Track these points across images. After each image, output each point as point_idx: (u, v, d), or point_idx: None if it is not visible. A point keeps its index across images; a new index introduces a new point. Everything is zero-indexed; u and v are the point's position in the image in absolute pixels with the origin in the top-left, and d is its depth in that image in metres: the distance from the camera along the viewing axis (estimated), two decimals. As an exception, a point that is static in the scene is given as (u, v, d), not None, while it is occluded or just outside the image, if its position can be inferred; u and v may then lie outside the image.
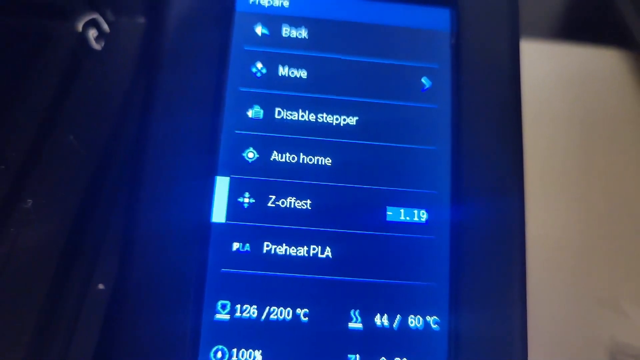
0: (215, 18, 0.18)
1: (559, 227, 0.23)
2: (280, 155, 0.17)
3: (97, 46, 0.24)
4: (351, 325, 0.16)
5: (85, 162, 0.19)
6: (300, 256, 0.16)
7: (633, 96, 0.28)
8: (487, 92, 0.18)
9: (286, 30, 0.18)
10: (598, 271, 0.22)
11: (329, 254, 0.16)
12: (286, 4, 0.18)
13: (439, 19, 0.19)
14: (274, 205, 0.16)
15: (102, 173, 0.20)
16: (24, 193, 0.19)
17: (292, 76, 0.17)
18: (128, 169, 0.20)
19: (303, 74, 0.17)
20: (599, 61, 0.29)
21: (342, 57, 0.18)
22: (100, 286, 0.17)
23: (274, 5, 0.18)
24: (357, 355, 0.15)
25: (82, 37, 0.24)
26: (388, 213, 0.16)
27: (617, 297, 0.22)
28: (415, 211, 0.17)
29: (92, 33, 0.24)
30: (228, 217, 0.16)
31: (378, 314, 0.16)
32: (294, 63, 0.18)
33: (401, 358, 0.15)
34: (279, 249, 0.16)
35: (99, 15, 0.25)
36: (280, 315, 0.15)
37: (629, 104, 0.27)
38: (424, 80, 0.18)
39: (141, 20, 0.25)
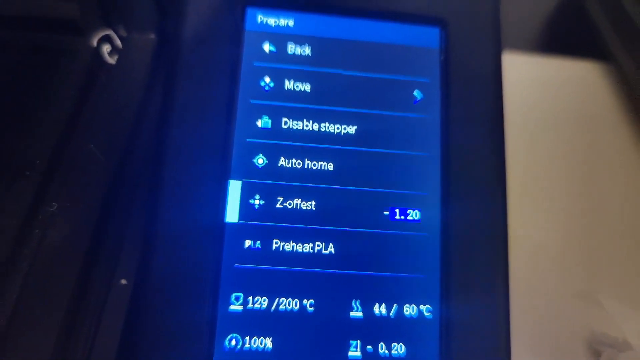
0: (227, 37, 0.19)
1: (540, 226, 0.25)
2: (287, 160, 0.18)
3: (110, 60, 0.26)
4: (353, 314, 0.17)
5: (104, 168, 0.21)
6: (306, 252, 0.18)
7: (609, 105, 0.30)
8: (473, 104, 0.20)
9: (291, 48, 0.20)
10: (575, 267, 0.24)
11: (332, 250, 0.18)
12: (291, 23, 0.20)
13: (430, 37, 0.21)
14: (281, 206, 0.18)
15: (120, 177, 0.21)
16: (49, 197, 0.20)
17: (297, 89, 0.19)
18: (145, 173, 0.21)
19: (307, 87, 0.19)
20: (577, 73, 0.31)
21: (342, 72, 0.20)
22: (123, 281, 0.19)
23: (280, 25, 0.20)
24: (359, 341, 0.17)
25: (97, 51, 0.26)
26: (385, 212, 0.18)
27: (593, 290, 0.24)
28: (410, 211, 0.18)
29: (106, 48, 0.26)
30: (240, 217, 0.18)
31: (377, 304, 0.17)
32: (298, 77, 0.19)
33: (398, 343, 0.17)
34: (287, 245, 0.18)
35: (112, 31, 0.26)
36: (289, 305, 0.17)
37: (605, 113, 0.30)
38: (415, 93, 0.20)
39: (152, 36, 0.27)
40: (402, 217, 0.18)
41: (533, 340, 0.22)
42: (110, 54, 0.26)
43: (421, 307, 0.18)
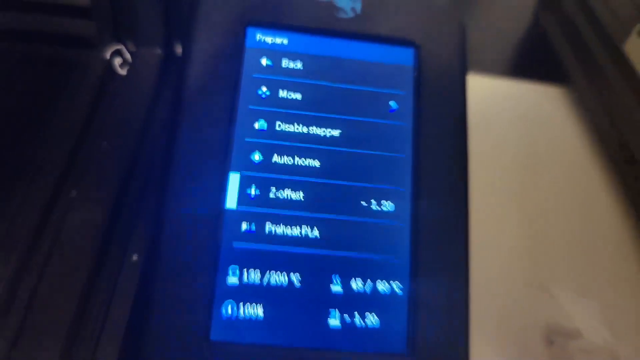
0: (229, 52, 0.23)
1: (500, 225, 0.28)
2: (279, 157, 0.21)
3: (121, 72, 0.29)
4: (333, 288, 0.20)
5: (118, 162, 0.24)
6: (295, 235, 0.20)
7: (564, 124, 0.34)
8: (441, 114, 0.23)
9: (285, 62, 0.23)
10: (532, 262, 0.27)
11: (317, 233, 0.21)
12: (285, 42, 0.23)
13: (405, 56, 0.24)
14: (274, 196, 0.21)
15: (134, 170, 0.24)
16: (70, 186, 0.23)
17: (290, 97, 0.22)
18: (156, 167, 0.24)
19: (298, 96, 0.22)
20: (538, 93, 0.35)
21: (329, 84, 0.23)
22: (134, 257, 0.22)
23: (276, 42, 0.23)
24: (337, 312, 0.20)
25: (109, 64, 0.29)
26: (363, 203, 0.21)
27: (548, 282, 0.27)
28: (384, 202, 0.21)
29: (117, 61, 0.29)
30: (238, 204, 0.20)
31: (354, 280, 0.20)
32: (291, 88, 0.22)
33: (372, 314, 0.20)
34: (278, 229, 0.20)
35: (123, 46, 0.29)
36: (278, 279, 0.20)
37: (562, 131, 0.33)
38: (392, 103, 0.23)
39: (158, 51, 0.30)
40: (378, 208, 0.21)
41: (492, 329, 0.25)
42: (121, 66, 0.29)
43: (392, 284, 0.20)
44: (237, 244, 0.20)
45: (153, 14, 0.30)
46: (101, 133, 0.25)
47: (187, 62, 0.22)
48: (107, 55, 0.29)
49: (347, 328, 0.20)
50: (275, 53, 0.23)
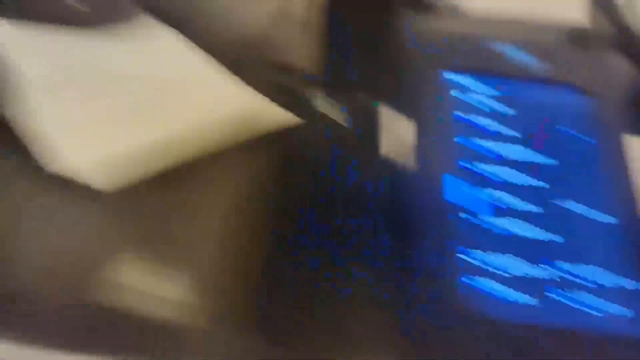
0: (429, 87, 0.29)
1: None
2: (480, 163, 0.26)
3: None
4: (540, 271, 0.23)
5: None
6: (498, 224, 0.24)
7: None
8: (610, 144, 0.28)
9: (471, 94, 0.29)
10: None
11: (534, 229, 0.24)
12: (469, 81, 0.29)
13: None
14: (480, 192, 0.25)
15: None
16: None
17: (476, 120, 0.28)
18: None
19: (485, 121, 0.28)
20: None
21: (514, 114, 0.28)
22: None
23: (463, 81, 0.29)
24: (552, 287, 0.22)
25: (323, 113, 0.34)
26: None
27: None
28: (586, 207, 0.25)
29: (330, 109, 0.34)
30: (454, 196, 0.25)
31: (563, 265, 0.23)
32: (476, 112, 0.28)
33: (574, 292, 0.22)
34: (504, 224, 0.24)
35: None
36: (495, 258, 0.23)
37: None
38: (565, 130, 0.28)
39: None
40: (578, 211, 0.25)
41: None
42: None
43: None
44: (458, 225, 0.24)
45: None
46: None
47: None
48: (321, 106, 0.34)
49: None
50: (463, 88, 0.29)
